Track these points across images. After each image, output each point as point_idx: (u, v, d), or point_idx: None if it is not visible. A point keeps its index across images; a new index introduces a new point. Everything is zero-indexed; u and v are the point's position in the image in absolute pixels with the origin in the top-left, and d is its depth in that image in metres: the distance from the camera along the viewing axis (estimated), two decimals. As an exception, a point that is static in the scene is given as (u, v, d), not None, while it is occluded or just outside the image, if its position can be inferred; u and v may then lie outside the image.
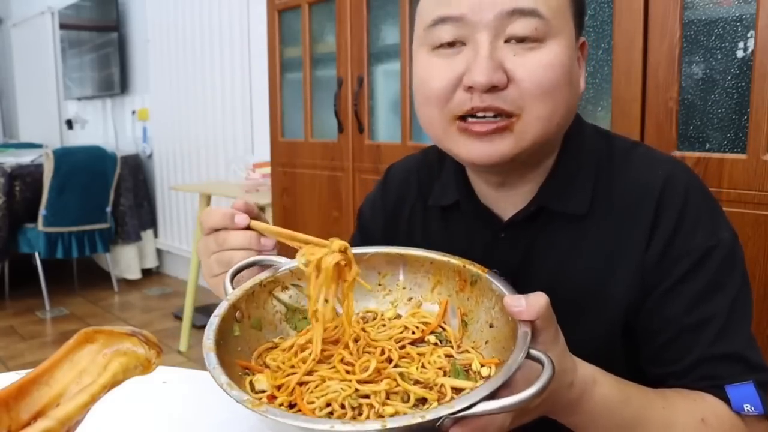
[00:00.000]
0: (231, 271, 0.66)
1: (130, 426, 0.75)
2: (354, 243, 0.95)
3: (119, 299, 3.94)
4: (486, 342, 0.62)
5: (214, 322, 0.60)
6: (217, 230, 0.68)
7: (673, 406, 0.65)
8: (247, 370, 0.60)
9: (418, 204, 0.86)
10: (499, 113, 0.66)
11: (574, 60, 0.69)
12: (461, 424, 0.48)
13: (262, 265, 0.69)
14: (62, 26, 5.21)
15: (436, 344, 0.63)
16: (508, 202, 0.77)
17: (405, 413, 0.51)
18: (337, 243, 0.61)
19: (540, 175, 0.75)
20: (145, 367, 0.50)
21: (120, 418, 0.74)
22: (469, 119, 0.67)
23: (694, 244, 0.69)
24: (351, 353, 0.59)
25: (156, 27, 4.13)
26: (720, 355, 0.67)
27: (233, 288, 0.65)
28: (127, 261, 4.20)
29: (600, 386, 0.61)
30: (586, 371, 0.60)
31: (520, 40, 0.65)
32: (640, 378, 0.71)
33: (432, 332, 0.64)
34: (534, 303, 0.53)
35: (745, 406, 0.65)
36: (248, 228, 0.67)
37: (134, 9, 4.43)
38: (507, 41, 0.65)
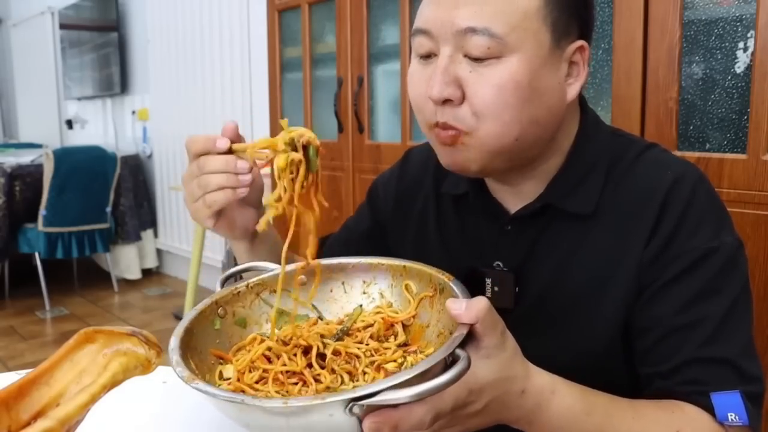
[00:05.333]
0: (223, 276, 0.69)
1: (130, 426, 0.75)
2: (361, 214, 0.96)
3: (119, 299, 3.94)
4: None
5: (191, 314, 0.62)
6: (200, 155, 0.69)
7: (644, 417, 0.63)
8: (220, 360, 0.63)
9: (432, 190, 0.87)
10: (451, 128, 0.68)
11: (543, 72, 0.67)
12: (373, 415, 0.47)
13: (255, 271, 0.71)
14: (62, 26, 5.21)
15: (399, 345, 0.63)
16: (516, 197, 0.77)
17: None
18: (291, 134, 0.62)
19: (547, 172, 0.75)
20: (145, 367, 0.50)
21: (120, 418, 0.74)
22: (437, 128, 0.70)
23: (694, 245, 0.68)
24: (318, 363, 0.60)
25: (156, 27, 4.13)
26: (709, 358, 0.65)
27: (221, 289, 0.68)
28: (127, 261, 4.20)
29: (559, 396, 0.59)
30: (544, 380, 0.59)
31: (475, 57, 0.65)
32: (639, 380, 0.71)
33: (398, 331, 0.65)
34: (473, 306, 0.53)
35: (729, 415, 0.63)
36: (229, 152, 0.68)
37: (134, 9, 4.43)
38: (466, 56, 0.66)
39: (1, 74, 6.57)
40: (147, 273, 4.34)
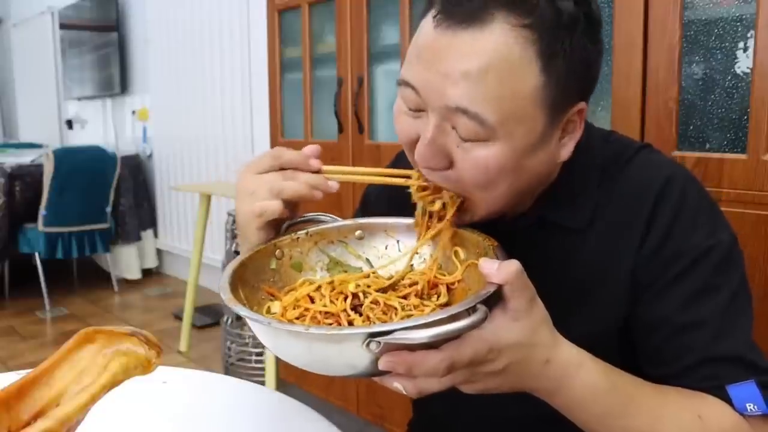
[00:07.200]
0: (285, 224, 0.71)
1: (130, 426, 0.75)
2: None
3: (119, 299, 3.94)
4: None
5: (248, 251, 0.67)
6: (284, 169, 0.69)
7: (666, 398, 0.64)
8: (271, 297, 0.67)
9: None
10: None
11: (533, 152, 0.65)
12: (390, 354, 0.50)
13: (315, 221, 0.75)
14: (62, 26, 5.21)
15: (440, 305, 0.65)
16: (509, 210, 0.77)
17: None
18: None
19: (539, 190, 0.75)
20: (145, 367, 0.50)
21: (120, 418, 0.74)
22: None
23: (691, 244, 0.68)
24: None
25: (156, 27, 4.13)
26: (719, 356, 0.66)
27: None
28: (127, 261, 4.20)
29: (585, 371, 0.60)
30: (571, 353, 0.60)
31: (462, 137, 0.63)
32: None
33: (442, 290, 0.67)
34: (504, 268, 0.54)
35: (748, 405, 0.64)
36: (319, 172, 0.70)
37: (134, 9, 4.43)
38: (454, 128, 0.63)
39: (1, 74, 6.57)
40: (147, 273, 4.34)
